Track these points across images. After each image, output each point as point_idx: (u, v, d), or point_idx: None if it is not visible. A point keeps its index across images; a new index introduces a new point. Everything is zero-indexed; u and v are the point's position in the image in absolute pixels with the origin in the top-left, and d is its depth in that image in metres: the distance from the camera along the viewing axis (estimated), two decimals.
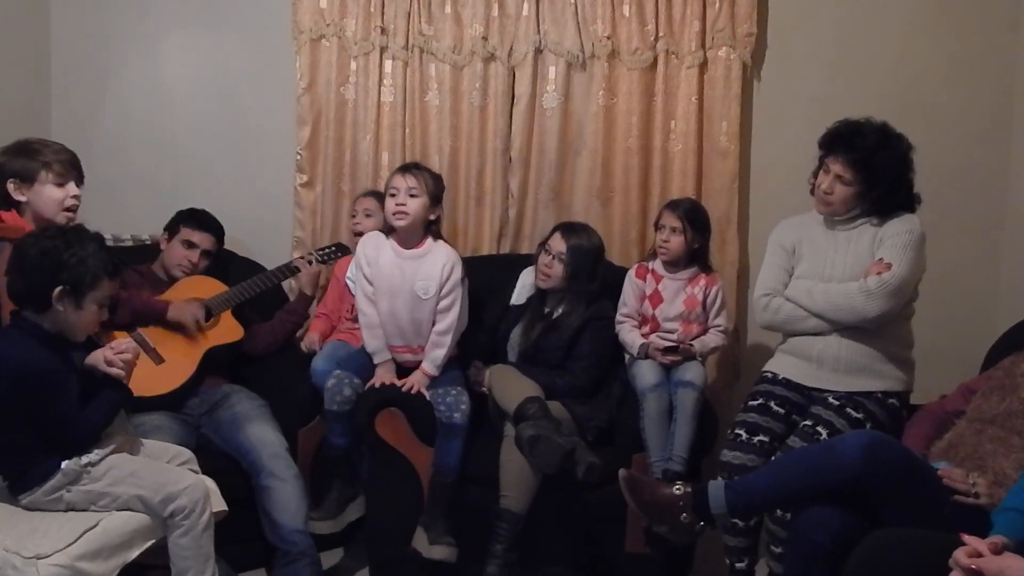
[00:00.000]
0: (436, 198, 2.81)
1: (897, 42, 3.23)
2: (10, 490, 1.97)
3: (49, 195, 2.40)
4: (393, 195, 2.77)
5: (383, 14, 3.28)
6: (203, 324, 2.79)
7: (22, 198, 2.40)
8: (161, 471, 2.05)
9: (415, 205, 2.75)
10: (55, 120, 3.44)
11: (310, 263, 3.08)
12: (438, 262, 2.80)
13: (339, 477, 2.73)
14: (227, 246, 3.16)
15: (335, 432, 2.71)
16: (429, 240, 2.84)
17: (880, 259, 2.43)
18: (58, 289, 1.94)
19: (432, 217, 2.82)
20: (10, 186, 2.38)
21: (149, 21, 3.42)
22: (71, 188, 2.44)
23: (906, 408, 2.49)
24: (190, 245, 2.92)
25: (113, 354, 2.08)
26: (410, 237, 2.81)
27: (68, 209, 2.44)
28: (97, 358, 2.10)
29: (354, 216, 3.16)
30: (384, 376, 2.75)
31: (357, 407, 2.68)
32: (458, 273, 2.81)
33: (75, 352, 2.08)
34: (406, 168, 2.82)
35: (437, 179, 2.85)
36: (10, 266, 2.00)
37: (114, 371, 2.07)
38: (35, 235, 2.03)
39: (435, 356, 2.78)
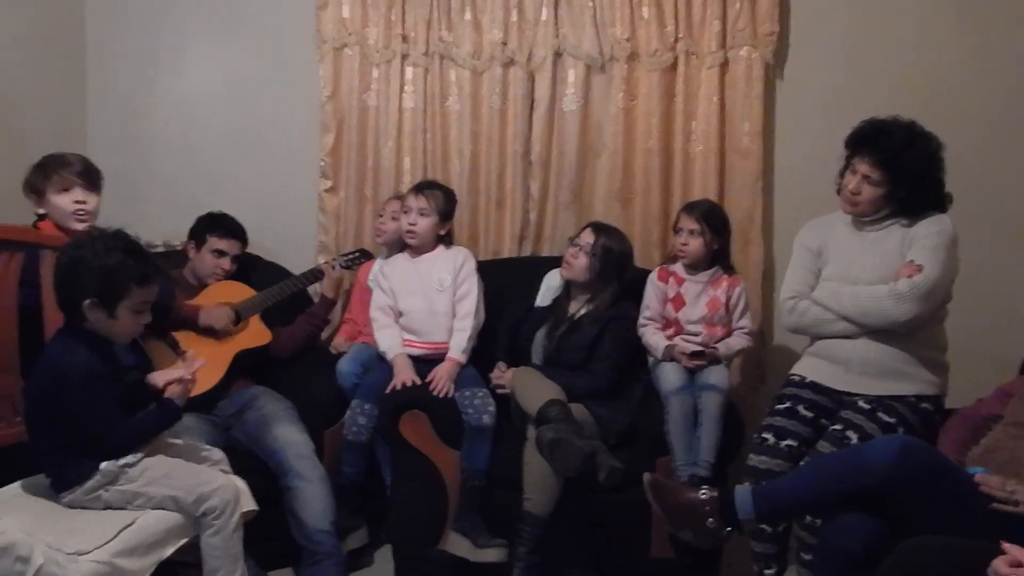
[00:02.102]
0: (446, 215, 2.97)
1: (920, 38, 3.21)
2: (52, 488, 2.01)
3: (57, 203, 2.49)
4: (406, 213, 2.96)
5: (404, 22, 3.31)
6: (232, 328, 2.82)
7: (41, 211, 2.51)
8: (194, 472, 2.07)
9: (424, 224, 2.93)
10: (91, 131, 3.50)
11: (332, 268, 3.11)
12: (450, 257, 2.96)
13: (345, 507, 2.73)
14: (253, 251, 3.20)
15: (348, 460, 2.76)
16: (441, 247, 2.99)
17: (911, 261, 2.38)
18: (87, 301, 1.96)
19: (442, 232, 2.98)
20: (31, 201, 2.52)
21: (178, 35, 3.49)
22: (76, 194, 2.50)
23: (940, 412, 2.43)
24: (220, 254, 2.95)
25: (180, 388, 2.11)
26: (421, 248, 2.98)
27: (76, 213, 2.49)
28: (158, 379, 2.14)
29: (380, 217, 3.20)
30: (404, 375, 2.77)
31: (380, 411, 2.71)
32: (471, 264, 2.97)
33: (124, 353, 2.10)
34: (419, 188, 2.97)
35: (448, 196, 2.99)
36: (52, 276, 2.04)
37: (175, 392, 2.10)
38: (70, 245, 2.05)
39: (458, 341, 2.87)
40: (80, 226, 2.48)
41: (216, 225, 2.99)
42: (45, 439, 2.00)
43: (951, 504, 1.89)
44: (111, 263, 1.96)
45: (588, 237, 2.87)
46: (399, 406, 2.68)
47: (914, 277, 2.34)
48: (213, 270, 2.95)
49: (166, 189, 3.47)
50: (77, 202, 2.50)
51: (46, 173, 2.51)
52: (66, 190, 2.50)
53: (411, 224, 2.92)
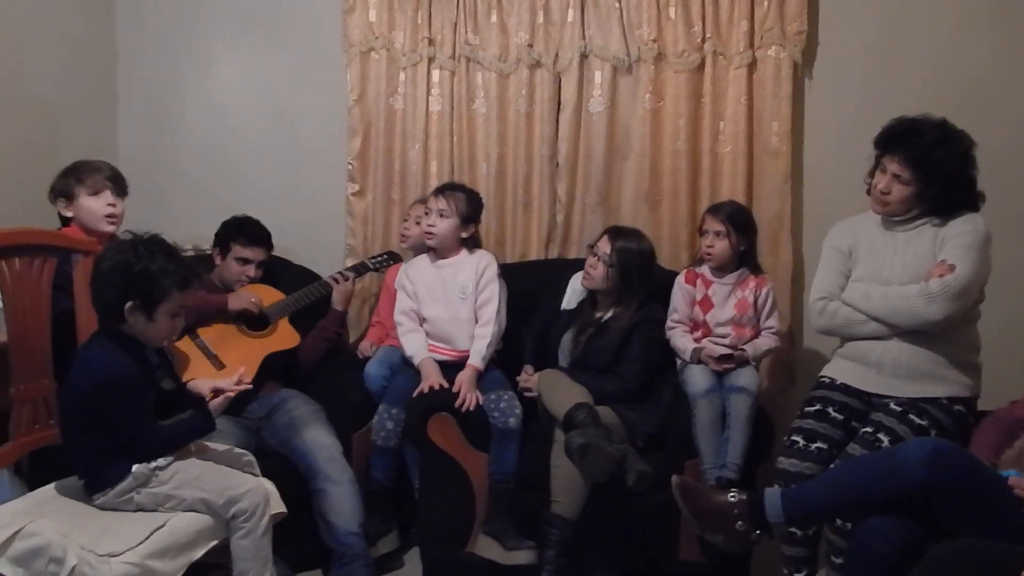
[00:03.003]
0: (468, 218, 2.92)
1: (953, 35, 3.16)
2: (85, 489, 2.03)
3: (88, 207, 2.56)
4: (427, 214, 2.93)
5: (430, 25, 3.32)
6: (261, 305, 2.85)
7: (70, 214, 2.58)
8: (224, 475, 2.09)
9: (443, 226, 2.89)
10: (121, 136, 3.56)
11: (336, 280, 3.08)
12: (472, 264, 2.93)
13: (377, 512, 2.75)
14: (282, 255, 3.22)
15: (377, 466, 2.77)
16: (464, 251, 2.96)
17: (942, 261, 2.35)
18: (129, 303, 1.99)
19: (464, 235, 2.94)
20: (60, 204, 2.58)
21: (206, 40, 3.54)
22: (106, 197, 2.59)
23: (973, 414, 2.40)
24: (244, 261, 2.96)
25: (221, 400, 2.15)
26: (444, 251, 2.95)
27: (108, 216, 2.57)
28: (203, 387, 2.17)
29: (406, 221, 3.22)
30: (432, 379, 2.77)
31: (408, 415, 2.71)
32: (493, 270, 2.93)
33: (150, 354, 2.13)
34: (440, 189, 2.96)
35: (471, 198, 2.94)
36: (90, 280, 2.08)
37: (217, 404, 2.13)
38: (110, 248, 2.08)
39: (478, 348, 2.84)
40: (109, 229, 2.56)
41: (239, 232, 2.99)
42: (79, 441, 2.03)
43: (984, 508, 1.86)
44: (154, 267, 2.00)
45: (605, 246, 2.85)
46: (427, 410, 2.69)
47: (946, 277, 2.31)
48: (238, 277, 2.96)
49: (195, 193, 3.51)
50: (109, 205, 2.57)
51: (78, 177, 2.58)
52: (97, 193, 2.58)
53: (429, 225, 2.91)
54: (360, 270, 3.17)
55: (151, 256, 2.01)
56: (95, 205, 2.55)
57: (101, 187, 2.58)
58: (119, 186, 2.64)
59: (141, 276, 1.99)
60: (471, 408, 2.70)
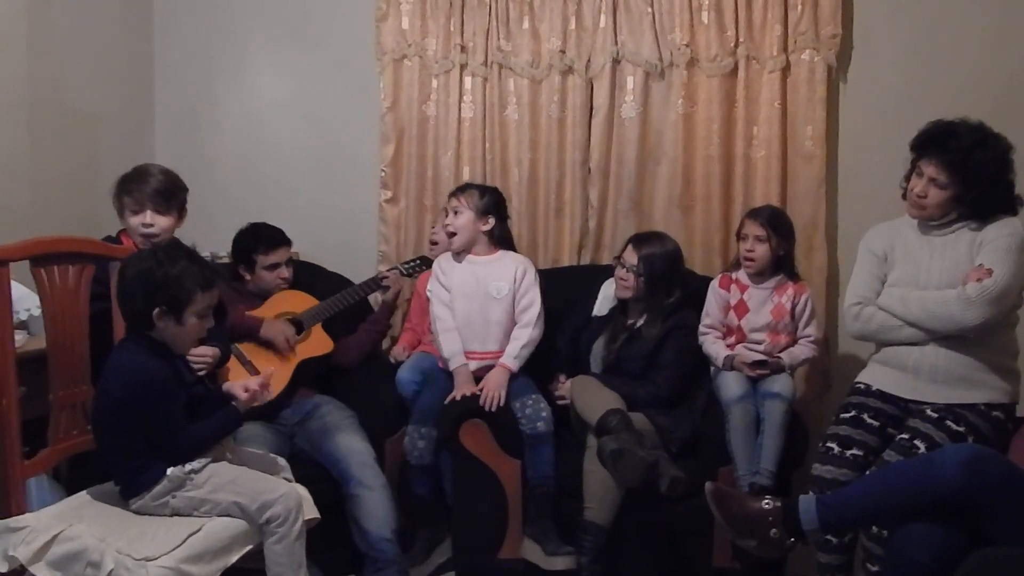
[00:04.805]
0: (484, 210, 2.93)
1: (990, 38, 3.11)
2: (121, 495, 2.06)
3: (130, 223, 2.59)
4: (446, 215, 2.97)
5: (463, 32, 3.35)
6: (292, 341, 2.87)
7: (123, 226, 2.63)
8: (258, 480, 2.12)
9: (460, 221, 2.92)
10: (159, 146, 3.64)
11: (395, 275, 3.14)
12: (510, 266, 2.93)
13: (424, 527, 2.77)
14: (316, 261, 3.26)
15: (416, 483, 2.77)
16: (499, 251, 2.97)
17: (980, 265, 2.31)
18: (157, 310, 2.03)
19: (485, 228, 2.93)
20: (123, 215, 2.60)
21: (242, 49, 3.61)
22: (146, 216, 2.56)
23: (1012, 421, 2.36)
24: (274, 267, 2.96)
25: (249, 394, 2.15)
26: (477, 247, 2.95)
27: (144, 236, 2.55)
28: (236, 388, 2.18)
29: (434, 227, 3.24)
30: (464, 387, 2.77)
31: (440, 420, 2.72)
32: (532, 274, 2.94)
33: (180, 362, 2.17)
34: (452, 191, 3.00)
35: (484, 192, 2.96)
36: (117, 289, 2.12)
37: (247, 398, 2.14)
38: (132, 257, 2.13)
39: (513, 348, 2.83)
40: (140, 243, 2.56)
41: (256, 241, 2.96)
42: (113, 445, 2.06)
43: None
44: (176, 271, 2.03)
45: (631, 256, 2.84)
46: (459, 416, 2.70)
47: (984, 281, 2.27)
48: (275, 283, 2.97)
49: (229, 201, 3.54)
50: (145, 225, 2.56)
51: (126, 190, 2.58)
52: (136, 213, 2.57)
53: (446, 225, 2.93)
54: (409, 271, 3.21)
55: (172, 261, 2.04)
56: (133, 223, 2.58)
57: (140, 206, 2.57)
58: (163, 201, 2.59)
59: (165, 281, 2.02)
60: (492, 408, 2.70)
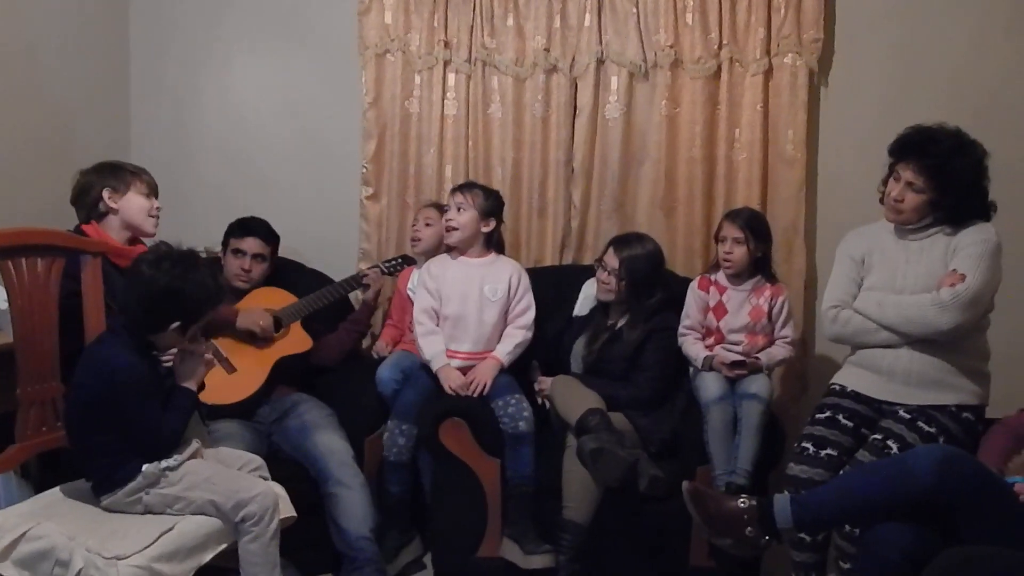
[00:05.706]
0: (487, 212, 2.93)
1: (971, 44, 3.14)
2: (93, 491, 2.05)
3: (139, 204, 2.58)
4: (446, 211, 2.95)
5: (447, 28, 3.33)
6: (270, 332, 2.85)
7: (114, 206, 2.57)
8: (234, 478, 2.11)
9: (463, 219, 2.90)
10: (135, 138, 3.59)
11: (367, 275, 3.13)
12: (505, 270, 2.93)
13: (395, 526, 2.76)
14: (294, 258, 3.24)
15: (391, 480, 2.76)
16: (493, 254, 2.97)
17: (953, 270, 2.35)
18: (176, 324, 2.06)
19: (486, 229, 2.93)
20: (105, 193, 2.56)
21: (222, 42, 3.56)
22: (155, 202, 2.64)
23: (982, 422, 2.40)
24: (238, 253, 2.96)
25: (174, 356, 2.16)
26: (472, 249, 2.94)
27: (153, 217, 2.62)
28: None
29: (415, 224, 3.21)
30: (454, 382, 2.76)
31: (421, 418, 2.71)
32: (526, 279, 2.95)
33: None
34: (457, 187, 2.99)
35: (489, 194, 2.95)
36: (130, 291, 2.09)
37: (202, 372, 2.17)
38: (154, 263, 2.08)
39: (506, 345, 2.86)
40: (152, 229, 2.60)
41: (237, 227, 2.99)
42: (90, 441, 2.04)
43: (992, 514, 1.86)
44: (202, 294, 2.08)
45: (612, 260, 2.85)
46: (440, 414, 2.69)
47: (956, 286, 2.31)
48: (235, 272, 2.94)
49: (209, 195, 3.53)
50: (158, 209, 2.63)
51: (133, 170, 2.61)
52: (148, 196, 2.61)
53: (449, 220, 2.92)
54: (390, 270, 3.20)
55: (199, 281, 2.07)
56: (146, 204, 2.60)
57: (153, 192, 2.63)
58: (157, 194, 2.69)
59: (191, 300, 2.06)
60: (476, 395, 2.72)
